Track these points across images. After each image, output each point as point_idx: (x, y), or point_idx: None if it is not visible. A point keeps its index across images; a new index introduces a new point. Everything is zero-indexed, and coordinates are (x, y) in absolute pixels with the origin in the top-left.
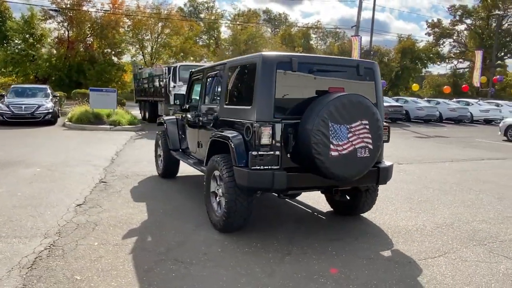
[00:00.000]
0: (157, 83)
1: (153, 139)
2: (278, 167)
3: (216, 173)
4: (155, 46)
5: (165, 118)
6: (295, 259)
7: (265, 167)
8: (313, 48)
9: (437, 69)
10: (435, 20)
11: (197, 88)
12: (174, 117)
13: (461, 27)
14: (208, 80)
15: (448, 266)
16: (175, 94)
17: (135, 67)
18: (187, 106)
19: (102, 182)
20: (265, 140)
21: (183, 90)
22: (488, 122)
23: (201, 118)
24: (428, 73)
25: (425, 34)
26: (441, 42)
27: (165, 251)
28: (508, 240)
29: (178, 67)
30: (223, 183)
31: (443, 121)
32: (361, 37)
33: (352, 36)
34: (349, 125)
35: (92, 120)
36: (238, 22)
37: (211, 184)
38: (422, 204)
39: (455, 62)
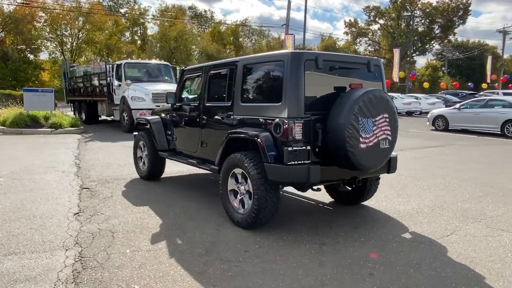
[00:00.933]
0: (96, 82)
1: (104, 141)
2: (309, 161)
3: (238, 170)
4: (75, 42)
5: (149, 118)
6: (333, 248)
7: (299, 162)
8: (242, 46)
9: None
10: (352, 20)
11: (193, 86)
12: (157, 116)
13: (375, 26)
14: (212, 78)
15: (464, 242)
16: (167, 93)
17: (65, 65)
18: (179, 104)
19: (85, 188)
20: (298, 135)
21: (134, 89)
22: (409, 114)
23: (204, 117)
24: None
25: (343, 33)
26: (358, 41)
27: (205, 252)
28: (495, 215)
29: (123, 64)
30: (250, 180)
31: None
32: (294, 35)
33: (286, 34)
34: (374, 118)
35: (29, 124)
36: (166, 18)
37: (228, 182)
38: (406, 190)
39: None
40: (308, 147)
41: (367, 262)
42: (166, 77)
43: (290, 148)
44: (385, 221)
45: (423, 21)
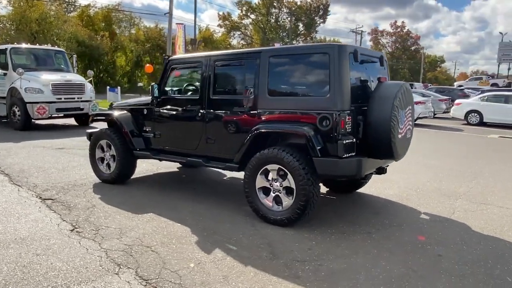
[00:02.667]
0: None
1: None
2: (354, 153)
3: (272, 167)
4: None
5: (115, 113)
6: (380, 236)
7: (349, 155)
8: (116, 32)
9: None
10: (225, 13)
11: (186, 78)
12: (126, 112)
13: (247, 21)
14: (221, 69)
15: (471, 217)
16: (152, 86)
17: None
18: (165, 98)
19: (47, 199)
20: (349, 128)
21: (28, 79)
22: None
23: (211, 111)
24: None
25: (217, 25)
26: (232, 34)
27: (273, 255)
28: (464, 192)
29: (9, 49)
30: (293, 176)
31: None
32: (184, 25)
33: (177, 24)
34: (405, 110)
35: None
36: None
37: (257, 180)
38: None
39: None
40: (354, 139)
41: (424, 244)
42: (62, 66)
43: (344, 141)
44: (392, 205)
45: (289, 18)
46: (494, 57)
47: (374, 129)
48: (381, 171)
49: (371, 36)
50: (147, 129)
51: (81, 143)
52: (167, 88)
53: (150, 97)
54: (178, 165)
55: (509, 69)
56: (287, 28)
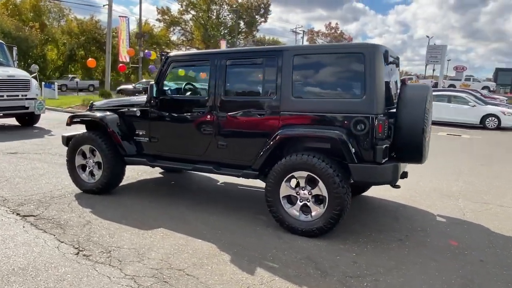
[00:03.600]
0: None
1: None
2: (387, 159)
3: (300, 174)
4: None
5: (101, 115)
6: (414, 243)
7: (385, 161)
8: (46, 24)
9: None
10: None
11: (190, 76)
12: (112, 113)
13: (187, 16)
14: (235, 68)
15: (484, 217)
16: (149, 85)
17: None
18: (163, 98)
19: (27, 216)
20: (385, 132)
21: None
22: None
23: (223, 114)
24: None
25: (156, 20)
26: (172, 29)
27: (321, 272)
28: (459, 191)
29: None
30: (325, 183)
31: None
32: (128, 18)
33: (120, 17)
34: (428, 113)
35: None
36: None
37: (282, 188)
38: None
39: (183, 49)
40: (388, 144)
41: (460, 249)
42: (1, 59)
43: (382, 146)
44: (404, 208)
45: (231, 15)
46: (415, 58)
47: (406, 133)
48: (404, 175)
49: (307, 36)
50: (140, 133)
51: (35, 146)
52: (165, 88)
53: (145, 97)
54: (160, 170)
55: (433, 70)
56: (228, 25)
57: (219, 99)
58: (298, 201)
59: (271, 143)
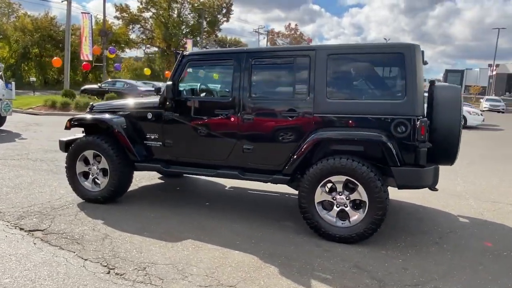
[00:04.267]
0: None
1: None
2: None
3: (337, 178)
4: None
5: (105, 117)
6: (450, 245)
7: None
8: None
9: (128, 54)
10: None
11: (209, 77)
12: (119, 116)
13: (147, 14)
14: (261, 68)
15: (506, 216)
16: (166, 86)
17: None
18: (180, 99)
19: (34, 231)
20: (426, 134)
21: None
22: None
23: (249, 116)
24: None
25: (114, 17)
26: (131, 27)
27: (377, 282)
28: (468, 191)
29: None
30: (365, 188)
31: None
32: (91, 15)
33: (83, 13)
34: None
35: None
36: None
37: (317, 194)
38: None
39: (143, 47)
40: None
41: (498, 250)
42: None
43: (425, 149)
44: (424, 210)
45: (192, 14)
46: None
47: (441, 134)
48: None
49: (267, 36)
50: (152, 137)
51: (9, 151)
52: (181, 88)
53: (155, 99)
54: (158, 174)
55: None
56: (190, 24)
57: (244, 100)
58: (335, 207)
59: (306, 146)
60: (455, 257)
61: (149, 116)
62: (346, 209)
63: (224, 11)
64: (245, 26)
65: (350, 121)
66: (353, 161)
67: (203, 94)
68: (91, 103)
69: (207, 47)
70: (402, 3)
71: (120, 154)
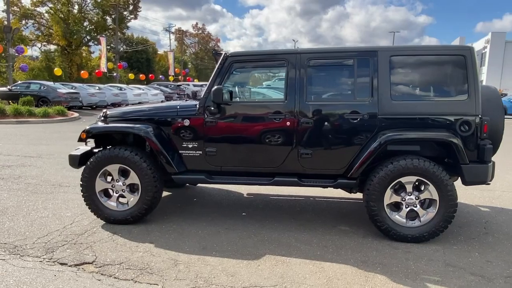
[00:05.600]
0: None
1: None
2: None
3: (408, 179)
4: None
5: (139, 127)
6: (502, 235)
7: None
8: None
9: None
10: None
11: (258, 79)
12: (148, 125)
13: (43, 9)
14: (318, 70)
15: None
16: (215, 89)
17: None
18: (225, 104)
19: (80, 264)
20: (487, 132)
21: None
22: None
23: (308, 120)
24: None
25: (2, 11)
26: (24, 23)
27: (482, 278)
28: None
29: None
30: (436, 187)
31: (84, 107)
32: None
33: None
34: None
35: None
36: None
37: (386, 196)
38: None
39: (39, 45)
40: None
41: None
42: None
43: (490, 146)
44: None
45: (96, 10)
46: None
47: (491, 133)
48: None
49: (175, 35)
50: (190, 146)
51: None
52: (223, 91)
53: (188, 103)
54: None
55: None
56: (94, 20)
57: (301, 103)
58: (404, 207)
59: (375, 148)
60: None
61: (187, 123)
62: (416, 208)
63: (131, 7)
64: (145, 24)
65: (416, 122)
66: (425, 162)
67: (251, 97)
68: (104, 111)
69: (112, 45)
70: (298, 6)
71: (154, 167)
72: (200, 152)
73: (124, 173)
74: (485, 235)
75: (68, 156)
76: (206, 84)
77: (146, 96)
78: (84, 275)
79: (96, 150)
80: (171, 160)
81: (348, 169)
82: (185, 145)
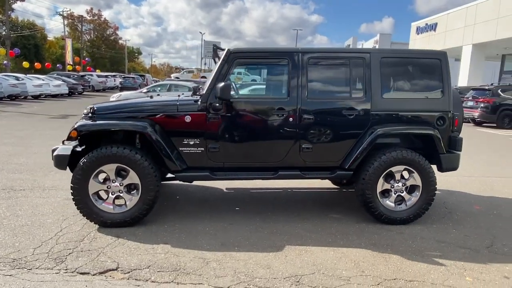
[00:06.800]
0: None
1: None
2: None
3: (397, 168)
4: None
5: (140, 124)
6: (460, 212)
7: None
8: None
9: None
10: None
11: (259, 76)
12: (143, 121)
13: None
14: (317, 67)
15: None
16: (223, 86)
17: None
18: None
19: (106, 271)
20: (459, 126)
21: None
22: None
23: (309, 116)
24: None
25: None
26: None
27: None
28: None
29: None
30: (420, 175)
31: (4, 98)
32: None
33: None
34: None
35: None
36: None
37: (379, 184)
38: None
39: None
40: None
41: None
42: None
43: (461, 137)
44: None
45: None
46: (171, 51)
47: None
48: None
49: (67, 20)
50: (192, 142)
51: None
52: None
53: (189, 99)
54: None
55: (205, 63)
56: None
57: (302, 100)
58: (393, 193)
59: (370, 141)
60: (479, 220)
61: (188, 119)
62: (402, 194)
63: None
64: (26, 6)
65: (402, 117)
66: (412, 153)
67: (252, 93)
68: (90, 107)
69: None
70: None
71: (154, 166)
72: (202, 149)
73: (120, 173)
74: (450, 213)
75: (55, 156)
76: (110, 75)
77: (48, 87)
78: (119, 283)
79: (79, 149)
80: (172, 158)
81: (344, 161)
82: (185, 142)
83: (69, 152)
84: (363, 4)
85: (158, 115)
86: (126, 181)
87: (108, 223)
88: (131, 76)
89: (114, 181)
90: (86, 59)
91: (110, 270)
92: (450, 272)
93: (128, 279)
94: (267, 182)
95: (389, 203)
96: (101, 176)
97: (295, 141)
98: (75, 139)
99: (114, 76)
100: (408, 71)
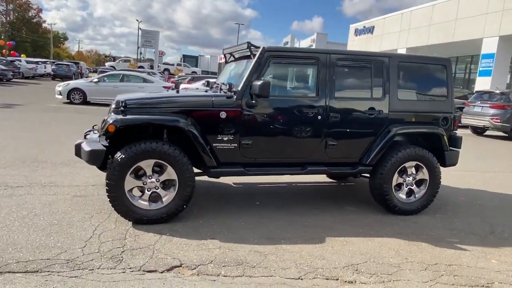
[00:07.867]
0: None
1: None
2: None
3: (410, 164)
4: None
5: (179, 119)
6: (451, 204)
7: None
8: None
9: None
10: None
11: (290, 75)
12: (180, 116)
13: None
14: (343, 70)
15: None
16: (263, 83)
17: None
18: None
19: (171, 269)
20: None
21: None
22: None
23: (335, 114)
24: None
25: None
26: None
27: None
28: None
29: None
30: (429, 170)
31: None
32: None
33: None
34: None
35: None
36: None
37: (394, 178)
38: None
39: None
40: None
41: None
42: None
43: (461, 136)
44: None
45: None
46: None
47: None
48: None
49: None
50: (225, 138)
51: None
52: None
53: (222, 95)
54: None
55: (141, 53)
56: None
57: (330, 99)
58: (404, 187)
59: (388, 139)
60: (469, 210)
61: (223, 115)
62: (413, 187)
63: None
64: None
65: (413, 117)
66: (423, 150)
67: (284, 92)
68: (119, 100)
69: None
70: None
71: (191, 162)
72: (236, 145)
73: (157, 169)
74: (445, 205)
75: (88, 152)
76: (40, 62)
77: None
78: (193, 279)
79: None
80: (209, 154)
81: (363, 157)
82: (219, 138)
83: (103, 147)
84: (295, 2)
85: (191, 110)
86: (163, 177)
87: (143, 220)
88: (64, 63)
89: (150, 177)
90: (11, 41)
91: (175, 267)
92: (476, 256)
93: (198, 275)
94: (270, 177)
95: (401, 195)
96: (138, 172)
97: (322, 137)
98: (112, 134)
99: (44, 62)
100: (419, 75)
